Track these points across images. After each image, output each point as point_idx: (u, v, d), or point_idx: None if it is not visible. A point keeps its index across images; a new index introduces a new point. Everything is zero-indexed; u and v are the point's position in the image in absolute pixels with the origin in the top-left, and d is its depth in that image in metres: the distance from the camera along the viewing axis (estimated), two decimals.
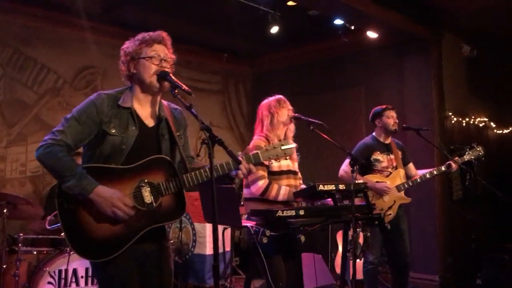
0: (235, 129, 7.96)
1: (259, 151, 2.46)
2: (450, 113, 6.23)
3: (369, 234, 4.04)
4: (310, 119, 3.49)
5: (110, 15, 5.93)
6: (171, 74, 2.33)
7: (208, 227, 5.38)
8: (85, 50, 6.08)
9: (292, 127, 3.59)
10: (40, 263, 4.05)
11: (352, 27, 5.48)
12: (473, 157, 4.54)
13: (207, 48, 7.35)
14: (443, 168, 4.46)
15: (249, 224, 3.05)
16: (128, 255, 2.25)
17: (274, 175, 3.51)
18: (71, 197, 2.19)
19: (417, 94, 6.12)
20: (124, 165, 2.27)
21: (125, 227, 2.23)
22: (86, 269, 4.06)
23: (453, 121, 6.29)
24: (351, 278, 3.61)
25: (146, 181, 2.27)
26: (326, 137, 3.46)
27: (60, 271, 3.95)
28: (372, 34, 5.77)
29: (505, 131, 7.48)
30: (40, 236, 4.22)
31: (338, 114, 6.88)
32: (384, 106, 4.61)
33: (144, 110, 2.40)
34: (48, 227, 3.93)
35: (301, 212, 3.01)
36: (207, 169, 2.34)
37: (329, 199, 3.45)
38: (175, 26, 5.96)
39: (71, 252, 4.00)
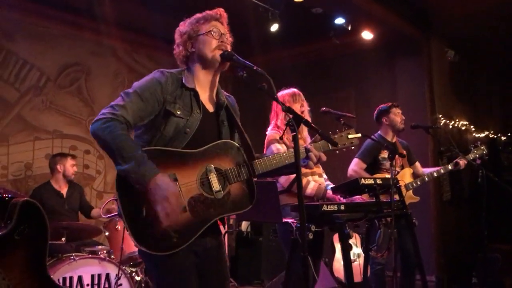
0: None
1: None
2: (440, 116, 6.32)
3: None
4: (340, 112, 3.40)
5: (95, 10, 5.61)
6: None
7: None
8: (69, 46, 5.73)
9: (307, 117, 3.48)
10: None
11: (349, 28, 5.44)
12: (477, 155, 4.58)
13: None
14: (449, 167, 4.45)
15: (290, 220, 2.90)
16: (189, 249, 2.03)
17: None
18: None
19: (410, 96, 6.16)
20: (185, 150, 2.07)
21: (192, 216, 2.01)
22: (92, 276, 3.76)
23: (441, 124, 6.38)
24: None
25: (213, 167, 2.08)
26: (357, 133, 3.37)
27: (64, 278, 3.62)
28: (367, 35, 5.77)
29: (481, 135, 7.70)
30: None
31: (327, 117, 6.79)
32: (389, 104, 4.57)
33: (204, 93, 2.22)
34: (103, 216, 3.63)
35: (342, 207, 2.90)
36: (277, 156, 2.17)
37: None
38: (161, 24, 5.65)
39: (77, 258, 3.70)
